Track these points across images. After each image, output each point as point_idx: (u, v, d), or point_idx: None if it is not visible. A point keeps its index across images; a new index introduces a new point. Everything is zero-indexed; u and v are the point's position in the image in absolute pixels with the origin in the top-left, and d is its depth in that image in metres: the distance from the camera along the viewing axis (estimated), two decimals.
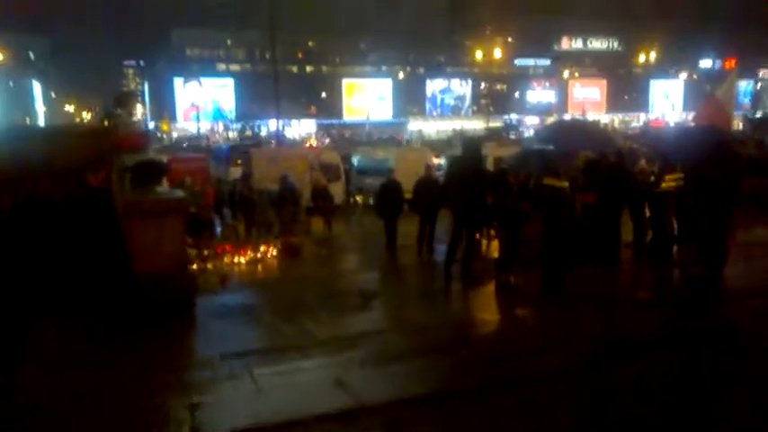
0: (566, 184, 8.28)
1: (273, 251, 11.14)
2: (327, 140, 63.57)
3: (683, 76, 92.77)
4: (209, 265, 10.20)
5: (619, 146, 13.66)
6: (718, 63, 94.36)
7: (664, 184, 9.80)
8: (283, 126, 75.82)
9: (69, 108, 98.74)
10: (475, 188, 8.70)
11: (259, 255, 10.97)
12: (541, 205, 8.21)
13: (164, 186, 7.61)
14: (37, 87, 73.36)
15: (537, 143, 16.65)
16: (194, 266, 9.83)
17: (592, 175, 9.78)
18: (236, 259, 10.65)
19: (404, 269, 10.98)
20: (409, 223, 12.24)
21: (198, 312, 7.58)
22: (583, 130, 15.01)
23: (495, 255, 10.05)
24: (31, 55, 78.82)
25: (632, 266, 10.17)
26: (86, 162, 6.87)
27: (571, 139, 12.86)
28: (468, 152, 9.16)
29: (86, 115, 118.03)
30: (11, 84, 64.56)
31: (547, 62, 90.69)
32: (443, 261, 9.23)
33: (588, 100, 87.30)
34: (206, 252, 10.54)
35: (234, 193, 16.27)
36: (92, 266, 6.39)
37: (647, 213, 10.18)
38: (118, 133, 8.20)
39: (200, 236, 13.58)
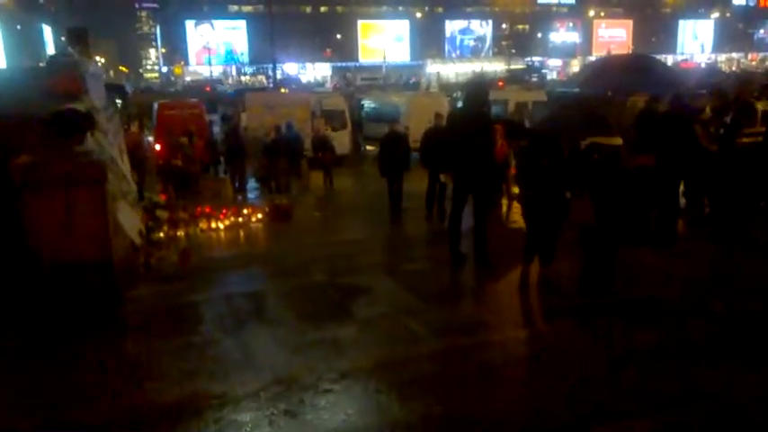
0: (619, 140, 5.97)
1: (259, 214, 9.97)
2: (328, 84, 60.84)
3: (715, 15, 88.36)
4: (180, 232, 9.15)
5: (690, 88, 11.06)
6: (753, 1, 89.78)
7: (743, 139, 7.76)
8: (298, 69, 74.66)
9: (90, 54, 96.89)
10: (482, 147, 6.85)
11: (241, 219, 9.80)
12: (589, 174, 5.82)
13: (87, 145, 6.16)
14: (47, 31, 71.87)
15: (578, 87, 14.31)
16: (161, 235, 8.83)
17: (648, 128, 7.52)
18: (213, 224, 9.52)
19: (405, 246, 8.81)
20: (420, 178, 10.61)
21: (127, 313, 5.74)
22: (641, 69, 11.88)
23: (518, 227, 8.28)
24: None
25: (699, 249, 7.52)
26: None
27: (622, 79, 10.32)
28: (472, 101, 7.09)
29: (101, 60, 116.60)
30: (18, 27, 63.08)
31: (571, 1, 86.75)
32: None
33: (614, 40, 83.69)
34: (181, 214, 9.49)
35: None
36: None
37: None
38: (52, 77, 6.79)
39: (184, 192, 12.69)
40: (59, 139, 5.91)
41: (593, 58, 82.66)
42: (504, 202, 10.37)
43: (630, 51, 75.74)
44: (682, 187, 8.29)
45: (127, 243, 6.96)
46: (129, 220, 7.44)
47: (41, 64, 9.19)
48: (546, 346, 4.95)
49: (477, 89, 7.43)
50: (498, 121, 10.50)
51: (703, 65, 66.72)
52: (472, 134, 6.76)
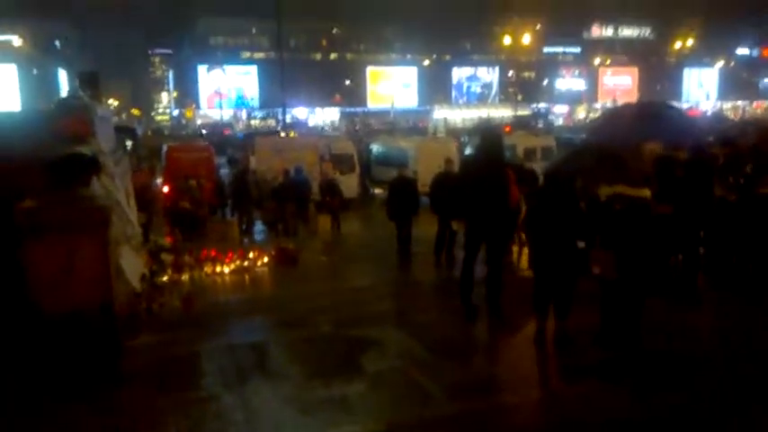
0: (647, 192, 5.61)
1: (265, 258, 9.78)
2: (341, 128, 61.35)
3: (719, 64, 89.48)
4: (184, 277, 8.95)
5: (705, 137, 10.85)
6: (756, 51, 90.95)
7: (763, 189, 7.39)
8: (307, 114, 75.57)
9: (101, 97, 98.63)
10: (497, 194, 6.58)
11: (247, 263, 9.61)
12: (610, 226, 5.53)
13: (92, 189, 5.97)
14: (63, 75, 73.30)
15: (591, 134, 13.80)
16: (164, 279, 8.62)
17: (666, 176, 7.24)
18: (218, 268, 9.33)
19: (414, 294, 8.50)
20: (429, 223, 10.44)
21: (127, 365, 5.46)
22: (657, 116, 11.22)
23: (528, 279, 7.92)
24: (57, 43, 78.96)
25: (721, 300, 7.22)
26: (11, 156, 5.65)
27: (637, 127, 9.93)
28: (486, 146, 6.90)
29: (113, 102, 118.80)
30: (34, 71, 64.37)
31: (577, 49, 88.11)
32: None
33: (619, 88, 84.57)
34: (186, 258, 9.31)
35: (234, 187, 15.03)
36: None
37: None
38: (60, 120, 6.67)
39: (191, 234, 12.55)
40: (64, 183, 5.76)
41: (598, 105, 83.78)
42: (515, 248, 10.15)
43: (637, 99, 76.54)
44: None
45: (129, 289, 6.76)
46: (132, 265, 7.26)
47: (51, 106, 9.10)
48: (567, 410, 4.60)
49: (492, 135, 7.20)
50: (509, 166, 10.38)
51: (709, 112, 67.13)
52: (487, 181, 6.53)
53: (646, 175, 6.21)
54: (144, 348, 5.93)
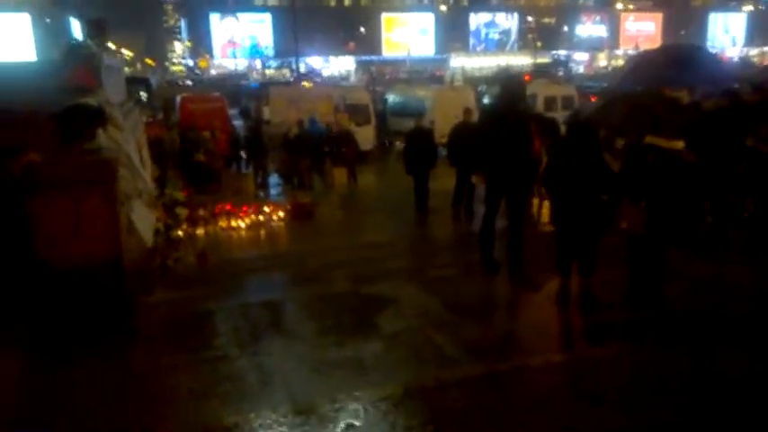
0: (681, 144, 5.24)
1: (280, 212, 9.62)
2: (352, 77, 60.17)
3: (748, 8, 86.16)
4: (199, 231, 8.84)
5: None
6: None
7: None
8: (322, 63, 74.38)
9: (110, 46, 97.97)
10: (519, 147, 6.28)
11: (262, 217, 9.46)
12: (641, 178, 5.22)
13: (98, 141, 5.75)
14: (75, 24, 72.50)
15: (623, 80, 13.08)
16: (179, 233, 8.52)
17: (698, 125, 6.73)
18: (233, 222, 9.20)
19: (432, 249, 8.26)
20: (447, 176, 10.19)
21: (138, 323, 5.35)
22: (686, 61, 10.55)
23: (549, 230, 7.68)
24: None
25: (753, 255, 6.91)
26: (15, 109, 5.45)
27: (666, 74, 9.32)
28: (507, 95, 6.55)
29: (127, 53, 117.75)
30: (47, 21, 63.67)
31: None
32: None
33: (642, 34, 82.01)
34: (201, 212, 9.18)
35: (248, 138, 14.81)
36: None
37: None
38: (66, 70, 6.42)
39: (204, 188, 12.40)
40: (68, 135, 5.56)
41: (619, 52, 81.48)
42: (536, 201, 9.89)
43: (660, 44, 74.16)
44: None
45: (141, 244, 6.65)
46: (145, 220, 7.13)
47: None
48: (590, 373, 4.42)
49: (513, 84, 6.82)
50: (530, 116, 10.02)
51: (736, 58, 65.02)
52: (509, 133, 6.21)
53: (679, 124, 5.82)
54: (157, 305, 5.86)
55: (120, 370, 4.59)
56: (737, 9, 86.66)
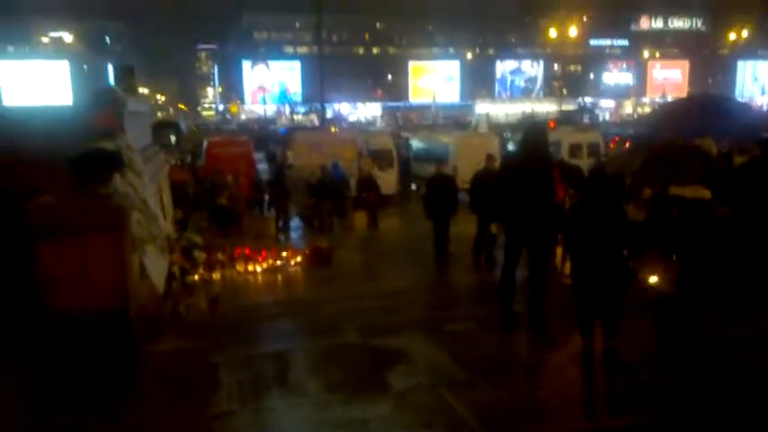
0: (707, 193, 4.92)
1: (298, 257, 9.50)
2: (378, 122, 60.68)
3: None
4: (215, 275, 8.74)
5: None
6: None
7: None
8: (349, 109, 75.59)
9: (144, 91, 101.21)
10: (542, 196, 6.05)
11: (280, 262, 9.35)
12: (667, 230, 4.92)
13: (113, 185, 5.69)
14: (112, 71, 75.03)
15: (645, 129, 12.71)
16: (195, 277, 8.43)
17: (724, 174, 6.59)
18: (250, 267, 9.10)
19: (450, 300, 7.93)
20: (468, 222, 10.00)
21: (142, 374, 5.17)
22: (724, 110, 10.42)
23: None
24: (107, 39, 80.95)
25: None
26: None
27: (702, 122, 9.11)
28: (530, 141, 6.31)
29: (161, 98, 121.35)
30: (84, 67, 66.02)
31: (624, 42, 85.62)
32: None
33: (669, 81, 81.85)
34: (219, 256, 9.10)
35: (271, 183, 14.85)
36: None
37: None
38: (91, 114, 6.46)
39: (226, 232, 12.39)
40: (83, 180, 5.53)
41: (646, 100, 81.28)
42: (559, 251, 9.58)
43: (687, 93, 73.78)
44: None
45: (153, 290, 6.54)
46: (157, 265, 7.05)
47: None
48: None
49: (536, 131, 6.59)
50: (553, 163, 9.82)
51: (765, 107, 64.25)
52: (531, 182, 5.98)
53: (706, 173, 5.55)
54: (163, 355, 5.68)
55: (115, 426, 4.39)
56: (766, 57, 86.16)
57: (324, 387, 4.90)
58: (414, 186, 19.77)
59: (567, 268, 8.35)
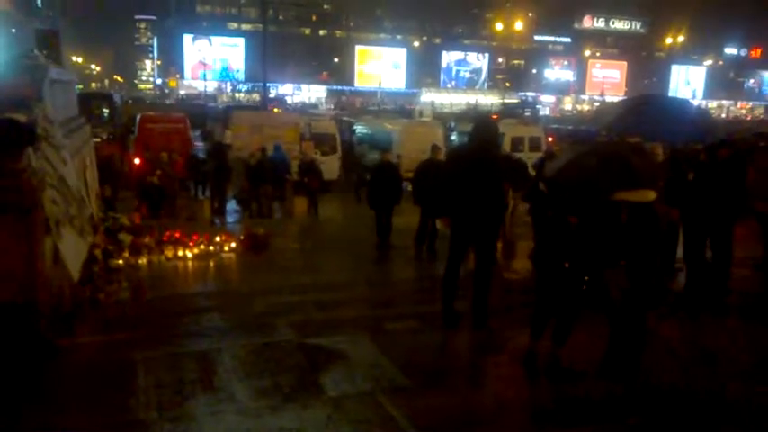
0: (653, 195, 4.76)
1: (233, 243, 9.00)
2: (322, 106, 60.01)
3: (707, 62, 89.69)
4: (141, 260, 8.16)
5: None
6: (744, 51, 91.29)
7: None
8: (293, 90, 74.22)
9: (77, 59, 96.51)
10: (490, 192, 5.81)
11: (212, 248, 8.82)
12: (616, 238, 4.72)
13: (26, 161, 5.08)
14: (35, 36, 71.03)
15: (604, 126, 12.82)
16: (119, 261, 7.83)
17: (679, 177, 6.67)
18: (180, 252, 8.54)
19: (391, 295, 7.55)
20: (411, 212, 9.76)
21: (51, 369, 4.66)
22: (670, 112, 10.81)
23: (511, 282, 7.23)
24: (39, 2, 76.61)
25: (726, 317, 6.47)
26: None
27: (653, 123, 8.96)
28: (479, 138, 5.96)
29: (95, 68, 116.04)
30: (13, 30, 62.14)
31: (567, 40, 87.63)
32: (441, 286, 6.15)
33: (608, 81, 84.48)
34: (146, 240, 8.50)
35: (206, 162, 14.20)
36: None
37: None
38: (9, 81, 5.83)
39: (157, 211, 11.75)
40: None
41: (585, 97, 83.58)
42: (499, 245, 9.46)
43: (624, 93, 76.14)
44: None
45: (68, 277, 5.97)
46: (75, 249, 6.45)
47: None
48: None
49: (486, 126, 6.31)
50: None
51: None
52: (479, 177, 5.76)
53: (654, 174, 5.40)
54: (75, 351, 5.14)
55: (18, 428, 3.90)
56: (699, 63, 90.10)
57: (253, 392, 4.49)
58: (359, 174, 19.46)
59: (514, 264, 8.24)
